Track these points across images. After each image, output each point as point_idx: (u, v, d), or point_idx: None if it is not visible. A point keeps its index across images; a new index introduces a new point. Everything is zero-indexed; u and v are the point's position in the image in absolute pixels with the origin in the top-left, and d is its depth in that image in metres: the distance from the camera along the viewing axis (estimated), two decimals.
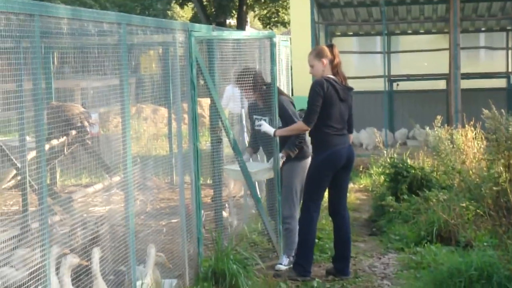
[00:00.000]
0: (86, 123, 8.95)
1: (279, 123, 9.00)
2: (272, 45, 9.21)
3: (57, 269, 5.76)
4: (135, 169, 6.69)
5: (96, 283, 5.98)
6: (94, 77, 7.78)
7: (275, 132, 8.85)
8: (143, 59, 9.90)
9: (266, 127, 8.92)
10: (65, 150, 8.94)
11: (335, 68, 8.52)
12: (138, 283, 6.47)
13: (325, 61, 8.48)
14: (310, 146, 9.01)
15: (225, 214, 9.31)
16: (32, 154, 6.01)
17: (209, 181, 10.05)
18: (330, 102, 8.41)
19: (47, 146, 7.52)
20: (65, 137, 8.39)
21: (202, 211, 8.35)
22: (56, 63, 8.77)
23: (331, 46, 8.63)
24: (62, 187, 9.89)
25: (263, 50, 9.90)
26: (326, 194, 8.82)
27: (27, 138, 6.45)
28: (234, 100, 12.08)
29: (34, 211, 6.12)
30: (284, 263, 8.88)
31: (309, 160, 8.93)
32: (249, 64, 9.57)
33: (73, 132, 8.75)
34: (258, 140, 9.36)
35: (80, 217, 6.44)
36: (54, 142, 8.67)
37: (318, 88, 8.41)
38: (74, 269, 5.88)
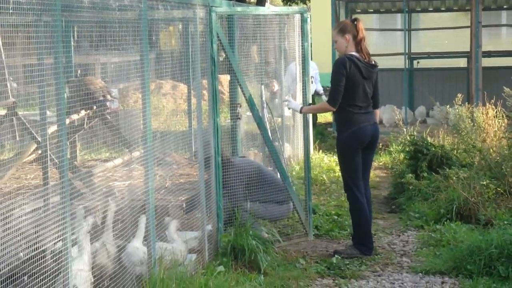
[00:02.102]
0: (108, 96, 8.95)
1: None
2: (304, 21, 9.12)
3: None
4: (154, 144, 6.70)
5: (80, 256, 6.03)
6: (114, 52, 7.76)
7: (301, 108, 8.87)
8: (163, 34, 9.87)
9: (293, 103, 9.01)
10: (85, 125, 8.96)
11: (359, 44, 8.41)
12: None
13: (348, 36, 8.38)
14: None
15: None
16: (53, 128, 6.02)
17: None
18: (353, 81, 8.32)
19: (67, 121, 7.53)
20: (86, 111, 8.40)
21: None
22: (76, 38, 8.76)
23: (355, 21, 8.51)
24: (82, 162, 9.92)
25: (284, 26, 9.83)
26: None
27: (48, 112, 6.46)
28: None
29: (54, 184, 6.15)
30: None
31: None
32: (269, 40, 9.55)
33: (94, 106, 8.76)
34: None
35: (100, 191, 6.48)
36: (74, 116, 8.68)
37: (341, 68, 8.32)
38: None
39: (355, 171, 8.49)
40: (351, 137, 8.40)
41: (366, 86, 8.43)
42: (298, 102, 9.90)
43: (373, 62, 8.53)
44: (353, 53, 8.38)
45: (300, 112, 8.97)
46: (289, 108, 9.13)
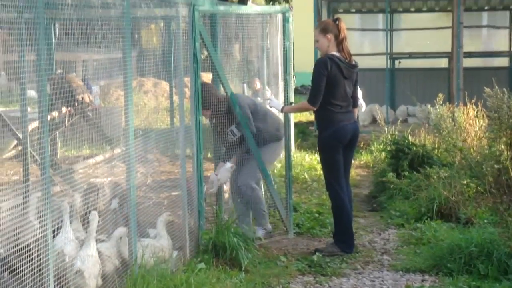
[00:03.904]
0: (86, 99, 8.93)
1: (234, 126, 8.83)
2: (286, 20, 9.13)
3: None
4: (136, 142, 6.69)
5: (88, 244, 6.03)
6: (96, 50, 7.75)
7: (283, 108, 8.93)
8: (145, 32, 9.86)
9: (275, 103, 9.10)
10: (66, 122, 8.93)
11: (340, 44, 8.43)
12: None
13: (330, 36, 8.40)
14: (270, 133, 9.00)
15: (225, 188, 9.32)
16: (34, 125, 6.00)
17: (209, 155, 10.08)
18: (334, 81, 8.36)
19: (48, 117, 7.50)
20: (67, 108, 8.38)
21: (204, 185, 8.37)
22: (58, 35, 8.73)
23: (337, 21, 8.53)
24: (63, 158, 9.89)
25: (267, 25, 9.84)
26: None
27: (29, 109, 6.45)
28: None
29: (35, 181, 6.14)
30: (259, 234, 8.86)
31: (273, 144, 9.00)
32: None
33: (75, 103, 8.73)
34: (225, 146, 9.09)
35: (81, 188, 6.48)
36: (54, 113, 8.64)
37: (322, 68, 8.34)
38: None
39: (337, 169, 8.52)
40: (332, 136, 8.44)
41: (347, 85, 8.47)
42: (280, 101, 9.93)
43: (354, 62, 8.56)
44: (335, 53, 8.40)
45: (282, 111, 9.05)
46: (270, 107, 9.17)
